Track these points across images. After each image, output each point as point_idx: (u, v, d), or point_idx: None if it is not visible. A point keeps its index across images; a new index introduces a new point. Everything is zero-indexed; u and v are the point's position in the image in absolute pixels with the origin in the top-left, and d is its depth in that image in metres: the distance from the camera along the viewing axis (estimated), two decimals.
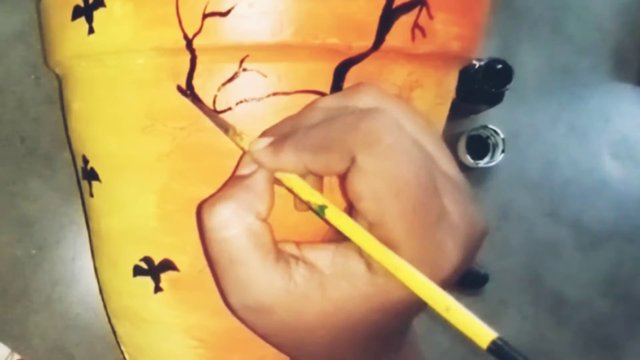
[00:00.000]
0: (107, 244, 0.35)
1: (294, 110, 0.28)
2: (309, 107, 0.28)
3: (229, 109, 0.28)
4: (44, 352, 0.46)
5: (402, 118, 0.26)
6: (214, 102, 0.28)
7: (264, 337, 0.28)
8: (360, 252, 0.25)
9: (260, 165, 0.27)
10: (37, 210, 0.46)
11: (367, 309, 0.26)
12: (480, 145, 0.55)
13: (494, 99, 0.53)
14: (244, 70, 0.28)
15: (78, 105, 0.34)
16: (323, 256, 0.26)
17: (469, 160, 0.55)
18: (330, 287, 0.25)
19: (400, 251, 0.24)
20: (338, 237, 0.28)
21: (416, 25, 0.28)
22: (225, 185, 0.27)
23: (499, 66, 0.50)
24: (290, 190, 0.27)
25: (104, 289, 0.38)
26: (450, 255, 0.25)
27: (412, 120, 0.26)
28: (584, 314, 0.59)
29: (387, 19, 0.27)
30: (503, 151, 0.54)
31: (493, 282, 0.54)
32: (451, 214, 0.25)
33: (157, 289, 0.32)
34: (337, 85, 0.28)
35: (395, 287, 0.25)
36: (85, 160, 0.34)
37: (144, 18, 0.28)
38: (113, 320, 0.38)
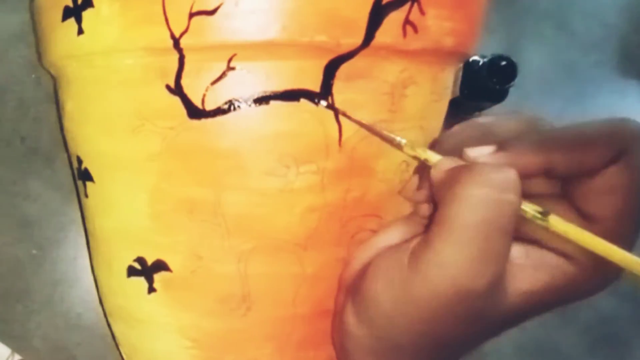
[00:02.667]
0: (102, 244, 0.35)
1: (284, 109, 0.28)
2: (467, 126, 0.29)
3: (218, 108, 0.28)
4: (45, 352, 0.46)
5: None
6: (203, 101, 0.28)
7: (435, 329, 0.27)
8: (555, 249, 0.27)
9: None
10: (38, 210, 0.46)
11: (555, 298, 0.27)
12: None
13: (498, 95, 0.52)
14: (232, 69, 0.27)
15: (70, 106, 0.34)
16: (516, 249, 0.27)
17: None
18: (527, 277, 0.26)
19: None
20: None
21: (407, 21, 0.28)
22: (462, 170, 0.26)
23: (503, 63, 0.50)
24: None
25: (100, 289, 0.38)
26: None
27: None
28: (590, 313, 0.59)
29: (377, 15, 0.27)
30: None
31: None
32: None
33: (151, 289, 0.32)
34: (326, 83, 0.28)
35: (597, 278, 0.27)
36: (80, 161, 0.34)
37: (131, 18, 0.27)
38: (109, 320, 0.38)
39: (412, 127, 0.31)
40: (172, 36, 0.27)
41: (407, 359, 0.28)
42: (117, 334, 0.38)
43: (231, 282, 0.31)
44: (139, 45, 0.28)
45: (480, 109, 0.55)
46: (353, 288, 0.29)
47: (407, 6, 0.28)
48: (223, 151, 0.29)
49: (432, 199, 0.28)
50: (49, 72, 0.37)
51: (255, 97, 0.28)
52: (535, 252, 0.27)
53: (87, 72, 0.31)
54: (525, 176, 0.26)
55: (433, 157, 0.28)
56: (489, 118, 0.29)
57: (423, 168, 0.29)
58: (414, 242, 0.27)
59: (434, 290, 0.25)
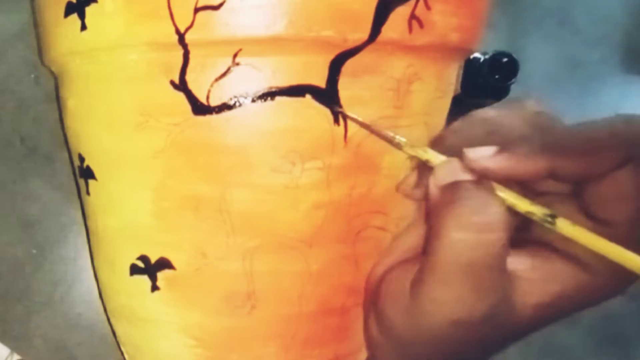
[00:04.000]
0: (104, 242, 0.35)
1: (289, 105, 0.28)
2: (472, 120, 0.29)
3: (223, 104, 0.28)
4: (45, 353, 0.46)
5: None
6: (208, 97, 0.28)
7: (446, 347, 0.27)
8: (566, 254, 0.26)
9: (488, 173, 0.26)
10: (38, 210, 0.46)
11: (568, 306, 0.26)
12: None
13: (500, 92, 0.52)
14: (237, 64, 0.27)
15: (73, 103, 0.33)
16: (518, 262, 0.26)
17: None
18: (536, 292, 0.26)
19: None
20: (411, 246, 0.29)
21: (413, 16, 0.28)
22: (453, 188, 0.26)
23: (505, 59, 0.49)
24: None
25: (102, 288, 0.38)
26: None
27: None
28: (595, 312, 0.58)
29: (383, 10, 0.27)
30: None
31: None
32: None
33: (154, 287, 0.32)
34: (332, 78, 0.28)
35: (613, 282, 0.25)
36: (81, 159, 0.34)
37: (135, 13, 0.27)
38: (112, 320, 0.38)
39: (417, 123, 0.31)
40: (177, 31, 0.27)
41: None
42: (119, 333, 0.38)
43: (236, 280, 0.30)
44: (144, 40, 0.27)
45: (481, 106, 0.55)
46: (374, 297, 0.29)
47: (413, 1, 0.27)
48: (228, 147, 0.28)
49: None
50: (50, 70, 0.36)
51: (261, 93, 0.28)
52: (544, 263, 0.26)
53: (90, 68, 0.31)
54: (528, 179, 0.25)
55: (434, 157, 0.28)
56: (493, 112, 0.29)
57: (423, 165, 0.29)
58: (417, 267, 0.27)
59: (433, 322, 0.26)
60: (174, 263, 0.31)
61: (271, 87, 0.28)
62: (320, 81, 0.28)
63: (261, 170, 0.28)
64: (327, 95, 0.28)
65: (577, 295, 0.26)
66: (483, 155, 0.26)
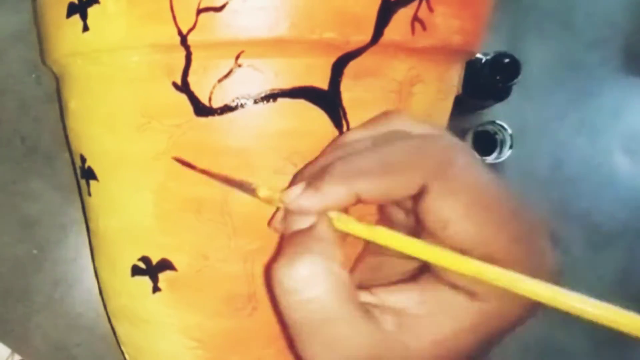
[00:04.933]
0: (106, 243, 0.35)
1: (291, 107, 0.28)
2: (334, 144, 0.27)
3: (225, 106, 0.28)
4: (45, 353, 0.46)
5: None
6: (210, 99, 0.28)
7: None
8: (452, 284, 0.24)
9: (305, 212, 0.25)
10: (38, 210, 0.46)
11: (473, 339, 0.24)
12: (487, 142, 0.54)
13: (501, 93, 0.52)
14: (240, 66, 0.27)
15: (75, 104, 0.33)
16: (408, 297, 0.24)
17: None
18: (428, 328, 0.24)
19: (500, 265, 0.22)
20: (369, 270, 0.28)
21: (416, 18, 0.28)
22: (285, 245, 0.25)
23: (506, 60, 0.49)
24: (343, 232, 0.25)
25: (103, 288, 0.38)
26: (550, 256, 0.24)
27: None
28: None
29: (386, 12, 0.27)
30: (511, 147, 0.53)
31: None
32: (534, 216, 0.24)
33: (155, 289, 0.32)
34: (335, 80, 0.28)
35: (510, 307, 0.23)
36: (83, 159, 0.34)
37: (137, 14, 0.27)
38: (112, 321, 0.38)
39: None
40: (180, 33, 0.26)
41: None
42: (120, 334, 0.38)
43: (237, 282, 0.30)
44: (146, 42, 0.27)
45: (482, 107, 0.55)
46: None
47: (415, 3, 0.27)
48: (230, 149, 0.28)
49: None
50: (51, 71, 0.36)
51: (263, 94, 0.28)
52: (433, 295, 0.24)
53: (92, 70, 0.31)
54: (341, 208, 0.24)
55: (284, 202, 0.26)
56: (358, 134, 0.27)
57: None
58: None
59: None
60: (176, 264, 0.31)
61: (273, 89, 0.27)
62: (323, 83, 0.28)
63: (263, 172, 0.28)
64: (330, 98, 0.28)
65: (474, 327, 0.24)
66: (295, 196, 0.25)
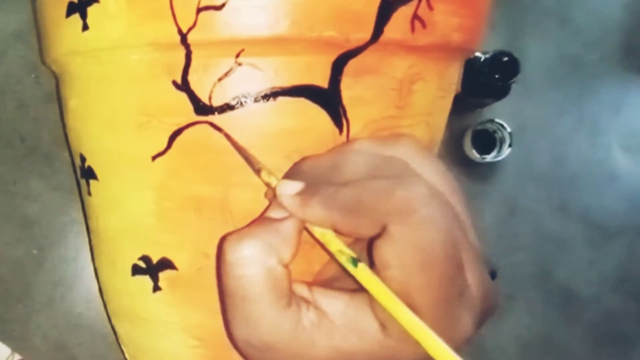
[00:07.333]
0: (106, 242, 0.35)
1: (291, 105, 0.28)
2: (342, 149, 0.28)
3: (225, 104, 0.28)
4: (45, 352, 0.46)
5: (436, 176, 0.27)
6: (210, 97, 0.28)
7: None
8: (374, 310, 0.25)
9: (286, 210, 0.27)
10: (38, 210, 0.46)
11: None
12: (486, 140, 0.54)
13: (501, 92, 0.52)
14: (240, 64, 0.27)
15: (74, 103, 0.33)
16: (335, 305, 0.26)
17: (475, 155, 0.54)
18: (338, 337, 0.26)
19: (419, 316, 0.24)
20: (332, 275, 0.29)
21: (416, 16, 0.28)
22: (253, 223, 0.27)
23: (505, 59, 0.50)
24: (317, 240, 0.27)
25: (103, 288, 0.38)
26: (466, 329, 0.25)
27: (445, 179, 0.27)
28: (594, 310, 0.59)
29: (386, 10, 0.27)
30: (510, 145, 0.53)
31: (501, 277, 0.53)
32: (471, 287, 0.26)
33: (156, 288, 0.32)
34: (335, 78, 0.28)
35: (407, 351, 0.25)
36: (83, 159, 0.34)
37: (137, 13, 0.27)
38: (113, 320, 0.38)
39: (419, 123, 0.31)
40: (180, 31, 0.26)
41: None
42: (120, 334, 0.38)
43: None
44: (146, 40, 0.27)
45: (482, 105, 0.55)
46: None
47: (415, 1, 0.27)
48: (230, 148, 0.28)
49: None
50: (51, 70, 0.36)
51: (263, 93, 0.28)
52: (355, 313, 0.26)
53: (91, 68, 0.31)
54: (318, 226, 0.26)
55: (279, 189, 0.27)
56: (361, 145, 0.28)
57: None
58: None
59: (234, 342, 0.27)
60: (176, 263, 0.31)
61: (273, 88, 0.28)
62: (323, 81, 0.28)
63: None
64: (330, 96, 0.28)
65: (374, 353, 0.26)
66: (287, 192, 0.26)
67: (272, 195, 0.28)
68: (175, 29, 0.27)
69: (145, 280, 0.32)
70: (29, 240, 0.46)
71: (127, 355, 0.38)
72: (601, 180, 0.60)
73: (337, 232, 0.26)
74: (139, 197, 0.31)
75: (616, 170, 0.60)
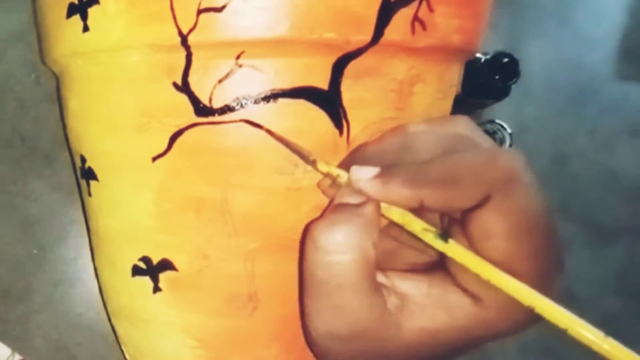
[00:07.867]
0: (106, 243, 0.35)
1: (291, 107, 0.28)
2: (399, 133, 0.28)
3: (225, 106, 0.28)
4: (45, 352, 0.46)
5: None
6: (210, 99, 0.28)
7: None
8: (462, 285, 0.25)
9: (365, 195, 0.26)
10: (38, 210, 0.46)
11: (458, 338, 0.26)
12: None
13: (501, 93, 0.52)
14: (240, 66, 0.27)
15: (74, 104, 0.33)
16: (417, 287, 0.26)
17: None
18: (425, 318, 0.25)
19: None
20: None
21: (416, 18, 0.28)
22: (332, 210, 0.26)
23: (505, 60, 0.49)
24: (394, 222, 0.26)
25: (103, 288, 0.38)
26: (555, 293, 0.25)
27: None
28: (595, 311, 0.58)
29: (386, 12, 0.27)
30: (510, 146, 0.53)
31: None
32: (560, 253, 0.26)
33: (156, 289, 0.32)
34: (335, 80, 0.28)
35: (505, 321, 0.25)
36: (83, 159, 0.34)
37: (137, 14, 0.27)
38: (113, 320, 0.38)
39: None
40: (180, 33, 0.26)
41: None
42: (120, 334, 0.38)
43: (238, 281, 0.31)
44: (146, 42, 0.27)
45: (482, 106, 0.55)
46: None
47: (415, 3, 0.27)
48: (230, 149, 0.28)
49: None
50: (51, 71, 0.36)
51: (263, 94, 0.28)
52: (440, 292, 0.26)
53: (92, 70, 0.31)
54: (403, 206, 0.26)
55: (343, 177, 0.27)
56: (421, 127, 0.28)
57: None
58: None
59: (314, 335, 0.26)
60: (176, 264, 0.31)
61: (273, 89, 0.28)
62: (323, 83, 0.28)
63: (263, 172, 0.28)
64: (330, 98, 0.28)
65: (466, 328, 0.25)
66: (363, 177, 0.26)
67: (328, 185, 0.28)
68: (175, 31, 0.27)
69: (146, 281, 0.32)
70: (29, 240, 0.46)
71: (127, 356, 0.38)
72: (601, 181, 0.60)
73: (424, 209, 0.25)
74: (139, 198, 0.31)
75: (616, 171, 0.60)
